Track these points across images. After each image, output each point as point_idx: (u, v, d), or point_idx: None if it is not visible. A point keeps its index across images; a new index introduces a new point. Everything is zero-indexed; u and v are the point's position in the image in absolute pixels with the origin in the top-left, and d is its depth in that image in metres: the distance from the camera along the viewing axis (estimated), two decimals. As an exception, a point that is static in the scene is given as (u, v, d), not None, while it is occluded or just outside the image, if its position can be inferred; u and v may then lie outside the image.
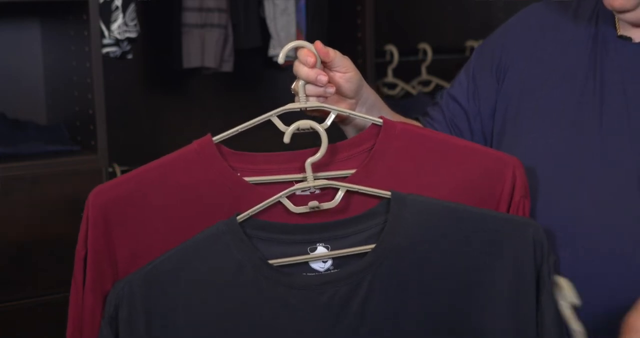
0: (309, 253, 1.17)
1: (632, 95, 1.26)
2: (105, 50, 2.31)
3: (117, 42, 2.32)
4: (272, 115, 1.19)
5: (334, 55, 1.24)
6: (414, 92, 3.08)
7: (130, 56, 2.38)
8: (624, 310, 1.14)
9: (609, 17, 1.33)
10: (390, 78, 3.05)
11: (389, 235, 1.16)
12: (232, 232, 1.15)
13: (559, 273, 1.18)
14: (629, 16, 1.26)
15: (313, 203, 1.16)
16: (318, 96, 1.23)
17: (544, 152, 1.30)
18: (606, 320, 1.20)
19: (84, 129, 2.35)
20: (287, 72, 2.92)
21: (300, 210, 1.16)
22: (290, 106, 1.21)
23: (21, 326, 2.23)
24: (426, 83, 3.13)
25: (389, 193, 1.18)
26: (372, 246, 1.17)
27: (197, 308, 1.15)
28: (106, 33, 2.29)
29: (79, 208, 1.24)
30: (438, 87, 3.09)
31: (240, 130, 1.20)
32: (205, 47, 2.57)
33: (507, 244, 1.17)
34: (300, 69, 1.21)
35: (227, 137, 1.19)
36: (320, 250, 1.17)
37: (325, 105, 1.21)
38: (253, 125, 1.20)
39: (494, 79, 1.40)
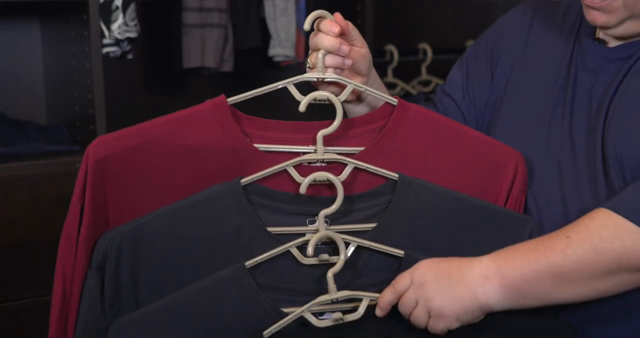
0: (307, 225, 1.15)
1: (594, 99, 1.26)
2: (105, 50, 2.30)
3: (117, 42, 2.31)
4: (289, 83, 1.18)
5: (352, 27, 1.24)
6: (414, 92, 3.08)
7: (130, 56, 2.37)
8: None
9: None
10: (390, 78, 3.05)
11: (391, 216, 1.16)
12: (234, 195, 1.12)
13: None
14: (612, 32, 1.25)
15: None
16: (336, 67, 1.22)
17: (520, 149, 1.29)
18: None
19: (84, 129, 2.35)
20: (287, 72, 2.92)
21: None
22: (308, 75, 1.20)
23: (21, 326, 2.22)
24: (426, 83, 3.13)
25: (396, 175, 1.17)
26: (373, 225, 1.16)
27: (188, 269, 1.11)
28: (106, 33, 2.29)
29: (78, 208, 1.23)
30: (438, 87, 3.09)
31: (255, 95, 1.18)
32: (205, 47, 2.57)
33: (505, 238, 1.18)
34: (324, 38, 1.21)
35: (241, 99, 1.18)
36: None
37: (343, 79, 1.20)
38: (269, 90, 1.18)
39: (488, 72, 1.41)
